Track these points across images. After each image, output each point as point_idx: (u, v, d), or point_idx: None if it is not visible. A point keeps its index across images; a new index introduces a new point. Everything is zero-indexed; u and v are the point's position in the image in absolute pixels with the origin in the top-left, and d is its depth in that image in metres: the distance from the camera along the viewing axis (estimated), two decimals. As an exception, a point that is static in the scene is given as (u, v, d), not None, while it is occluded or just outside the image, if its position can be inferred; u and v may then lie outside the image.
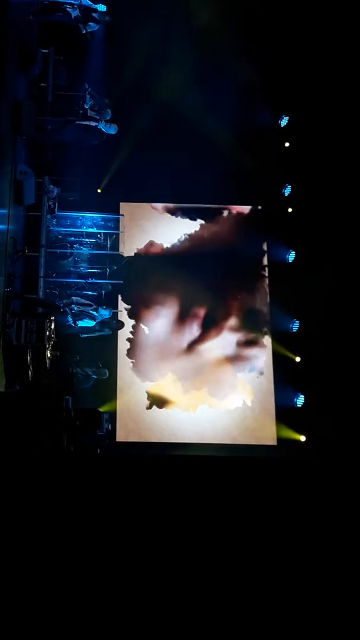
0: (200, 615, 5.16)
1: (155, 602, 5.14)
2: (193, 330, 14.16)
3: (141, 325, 14.08)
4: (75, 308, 12.23)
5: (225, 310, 14.32)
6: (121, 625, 5.01)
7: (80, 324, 12.24)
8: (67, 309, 12.10)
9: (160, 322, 14.12)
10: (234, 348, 14.19)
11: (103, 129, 12.43)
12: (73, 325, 12.16)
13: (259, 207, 15.01)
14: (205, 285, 14.22)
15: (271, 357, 14.17)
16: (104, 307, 12.52)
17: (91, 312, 12.32)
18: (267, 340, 14.29)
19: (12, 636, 4.75)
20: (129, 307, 14.03)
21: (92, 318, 12.34)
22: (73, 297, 12.44)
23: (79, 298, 12.50)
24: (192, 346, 14.09)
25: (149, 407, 13.71)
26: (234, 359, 14.13)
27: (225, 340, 14.20)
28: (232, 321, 14.30)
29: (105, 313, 12.51)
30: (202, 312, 14.26)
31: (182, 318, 14.15)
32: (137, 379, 13.82)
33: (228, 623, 5.17)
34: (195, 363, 14.02)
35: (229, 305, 14.35)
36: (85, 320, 12.30)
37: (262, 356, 14.20)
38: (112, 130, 12.58)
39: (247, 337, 14.28)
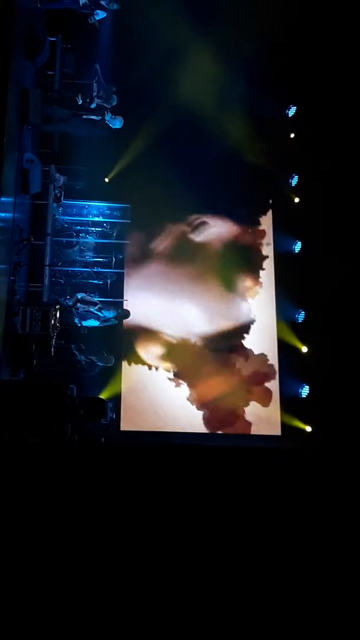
0: (204, 603, 5.17)
1: (159, 588, 5.15)
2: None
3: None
4: (81, 308, 12.22)
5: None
6: (126, 610, 5.03)
7: (85, 324, 12.26)
8: (73, 310, 12.10)
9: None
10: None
11: (109, 123, 12.38)
12: (78, 325, 12.18)
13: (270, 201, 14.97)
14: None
15: (276, 347, 14.17)
16: (108, 309, 12.51)
17: (96, 312, 12.31)
18: (272, 319, 14.29)
19: (14, 621, 4.77)
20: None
21: (97, 319, 12.34)
22: (78, 295, 12.41)
23: (84, 295, 12.46)
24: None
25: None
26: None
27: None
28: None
29: (109, 314, 12.50)
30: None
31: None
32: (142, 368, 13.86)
33: (231, 611, 5.18)
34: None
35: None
36: (90, 320, 12.31)
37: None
38: (117, 123, 12.53)
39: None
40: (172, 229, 14.62)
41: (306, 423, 13.58)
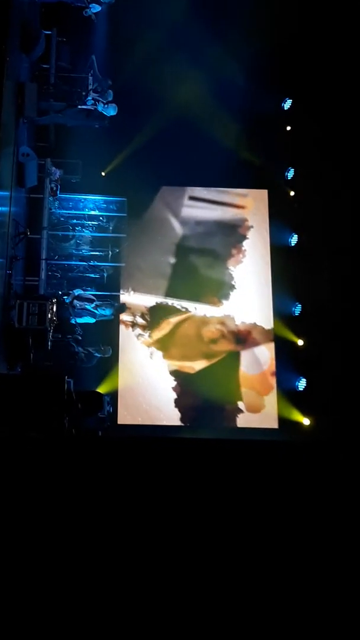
0: (204, 602, 5.19)
1: (158, 586, 5.16)
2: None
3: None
4: (78, 305, 12.22)
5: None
6: (124, 608, 5.03)
7: (80, 320, 12.26)
8: (69, 308, 12.10)
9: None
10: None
11: (103, 112, 12.35)
12: (74, 322, 12.18)
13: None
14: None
15: (273, 340, 14.18)
16: (104, 307, 12.53)
17: (92, 310, 12.32)
18: (269, 318, 14.30)
19: (12, 619, 4.76)
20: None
21: (93, 316, 12.36)
22: (75, 291, 12.42)
23: (81, 292, 12.47)
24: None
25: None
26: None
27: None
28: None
29: (105, 312, 12.53)
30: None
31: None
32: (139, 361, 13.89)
33: (231, 609, 5.19)
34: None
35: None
36: (86, 317, 12.32)
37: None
38: (111, 111, 12.48)
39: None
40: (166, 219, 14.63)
41: (304, 416, 13.60)
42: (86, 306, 12.27)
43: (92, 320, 12.38)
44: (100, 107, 12.24)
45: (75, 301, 12.20)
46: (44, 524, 5.25)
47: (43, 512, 5.30)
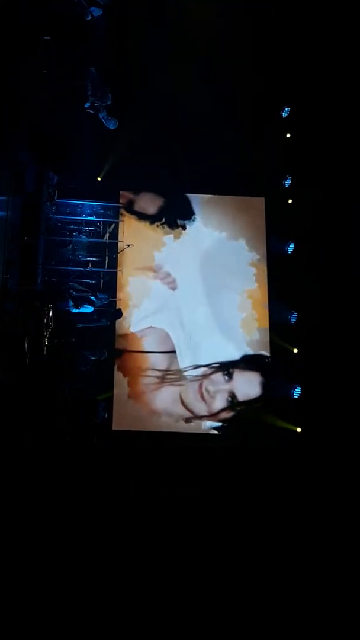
0: (204, 604, 5.17)
1: (158, 586, 5.15)
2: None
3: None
4: (75, 293, 12.31)
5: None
6: (122, 607, 5.02)
7: (79, 310, 12.31)
8: (67, 294, 12.16)
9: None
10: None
11: (104, 121, 12.41)
12: (73, 309, 12.23)
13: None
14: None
15: (269, 348, 14.15)
16: (101, 292, 12.63)
17: (90, 297, 12.40)
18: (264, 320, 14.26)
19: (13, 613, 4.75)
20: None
21: (91, 303, 12.44)
22: (70, 283, 12.51)
23: (75, 284, 12.54)
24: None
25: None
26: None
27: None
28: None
29: (103, 296, 12.62)
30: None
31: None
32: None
33: (232, 609, 5.18)
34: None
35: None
36: (85, 306, 12.37)
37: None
38: (111, 125, 12.65)
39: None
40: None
41: (297, 424, 13.56)
42: (84, 295, 12.38)
43: (90, 309, 12.46)
44: (101, 115, 12.33)
45: (72, 291, 12.29)
46: (42, 526, 5.24)
47: (40, 515, 5.30)
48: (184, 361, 13.89)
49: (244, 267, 14.54)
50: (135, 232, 14.14)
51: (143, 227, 14.28)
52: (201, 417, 13.61)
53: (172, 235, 14.43)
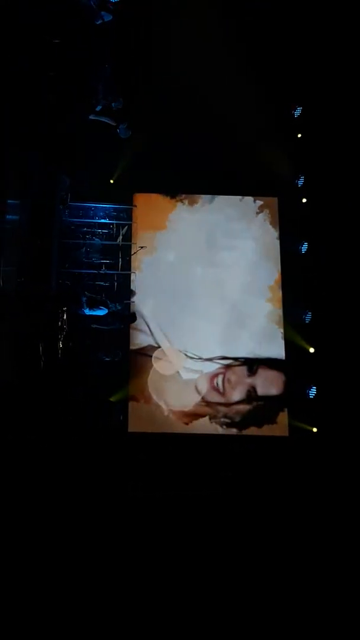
0: (206, 603, 5.16)
1: (157, 586, 5.14)
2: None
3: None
4: (88, 294, 12.40)
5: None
6: (125, 606, 5.01)
7: (93, 312, 12.35)
8: (82, 298, 12.22)
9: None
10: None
11: (119, 131, 12.55)
12: (87, 312, 12.28)
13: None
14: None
15: (283, 348, 14.12)
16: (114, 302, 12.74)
17: (103, 299, 12.49)
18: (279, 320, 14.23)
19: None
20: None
21: (105, 305, 12.49)
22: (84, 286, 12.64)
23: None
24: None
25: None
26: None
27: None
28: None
29: (114, 306, 12.71)
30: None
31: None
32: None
33: (232, 609, 5.16)
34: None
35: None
36: (98, 310, 12.42)
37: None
38: (125, 135, 12.79)
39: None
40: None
41: (313, 425, 13.52)
42: (97, 297, 12.49)
43: (104, 312, 12.49)
44: (121, 127, 12.49)
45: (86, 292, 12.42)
46: (45, 527, 5.25)
47: (49, 518, 5.30)
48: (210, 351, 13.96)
49: (260, 268, 14.52)
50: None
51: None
52: (217, 405, 13.60)
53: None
